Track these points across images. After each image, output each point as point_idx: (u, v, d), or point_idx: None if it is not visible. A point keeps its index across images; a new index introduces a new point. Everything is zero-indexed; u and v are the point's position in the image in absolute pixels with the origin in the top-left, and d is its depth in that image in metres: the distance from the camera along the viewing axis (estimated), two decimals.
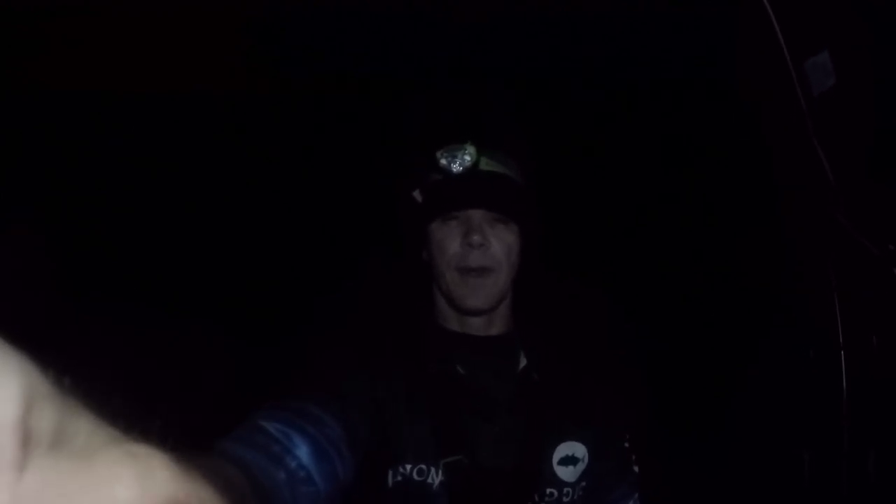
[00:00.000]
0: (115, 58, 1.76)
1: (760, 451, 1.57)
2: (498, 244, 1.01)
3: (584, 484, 1.02)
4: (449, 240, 1.02)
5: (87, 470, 0.21)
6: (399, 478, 0.95)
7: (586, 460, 1.02)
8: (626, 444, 1.09)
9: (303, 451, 0.78)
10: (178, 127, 1.89)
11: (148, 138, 1.90)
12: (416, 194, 1.06)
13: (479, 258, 1.00)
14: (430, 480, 0.95)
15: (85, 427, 0.22)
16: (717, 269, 1.87)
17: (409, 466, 0.95)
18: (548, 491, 0.99)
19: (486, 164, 1.02)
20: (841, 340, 1.32)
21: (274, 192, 1.99)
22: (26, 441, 0.20)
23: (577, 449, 1.02)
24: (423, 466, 0.95)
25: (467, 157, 1.00)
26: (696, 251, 1.92)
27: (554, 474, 1.00)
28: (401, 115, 1.36)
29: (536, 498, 0.98)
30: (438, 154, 1.01)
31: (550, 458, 1.00)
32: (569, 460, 1.01)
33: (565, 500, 1.00)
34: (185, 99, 1.84)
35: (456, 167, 1.00)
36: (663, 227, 1.99)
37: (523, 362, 1.06)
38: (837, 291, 1.32)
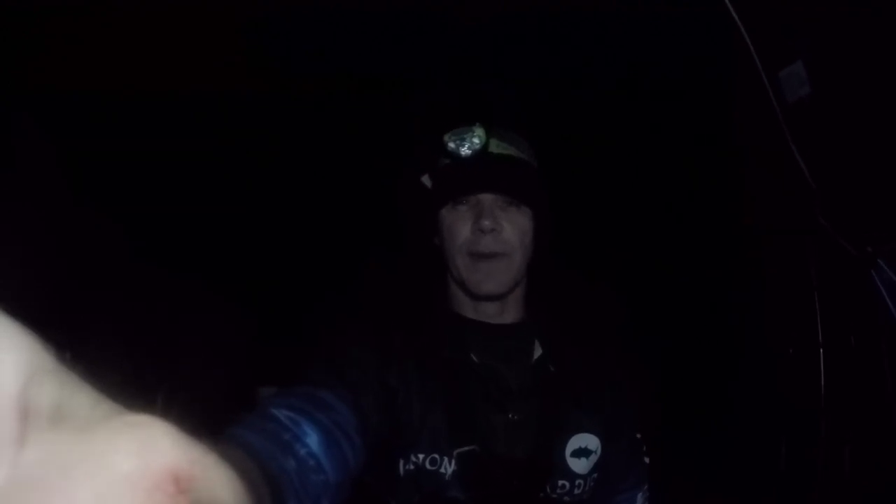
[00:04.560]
0: (115, 58, 1.75)
1: (742, 441, 1.58)
2: (511, 228, 0.97)
3: (595, 475, 1.00)
4: (460, 224, 0.98)
5: (86, 442, 0.20)
6: (411, 466, 0.92)
7: (599, 452, 1.00)
8: (638, 436, 1.07)
9: (312, 440, 0.76)
10: (178, 127, 1.89)
11: (148, 138, 1.89)
12: (425, 179, 1.02)
13: (490, 244, 0.96)
14: (442, 470, 0.92)
15: (86, 401, 0.21)
16: (704, 269, 1.87)
17: (421, 455, 0.92)
18: (560, 483, 0.97)
19: (495, 147, 0.99)
20: (820, 339, 1.34)
21: (274, 191, 1.99)
22: (26, 415, 0.20)
23: (591, 441, 0.99)
24: (436, 456, 0.92)
25: (476, 140, 0.97)
26: (686, 250, 1.92)
27: (566, 466, 0.97)
28: (402, 113, 1.35)
29: (548, 489, 0.96)
30: (446, 137, 0.97)
31: (563, 450, 0.98)
32: (582, 452, 0.98)
33: (577, 491, 0.98)
34: (185, 99, 1.84)
35: (465, 150, 0.97)
36: (659, 225, 1.99)
37: (538, 352, 1.03)
38: (818, 292, 1.34)
